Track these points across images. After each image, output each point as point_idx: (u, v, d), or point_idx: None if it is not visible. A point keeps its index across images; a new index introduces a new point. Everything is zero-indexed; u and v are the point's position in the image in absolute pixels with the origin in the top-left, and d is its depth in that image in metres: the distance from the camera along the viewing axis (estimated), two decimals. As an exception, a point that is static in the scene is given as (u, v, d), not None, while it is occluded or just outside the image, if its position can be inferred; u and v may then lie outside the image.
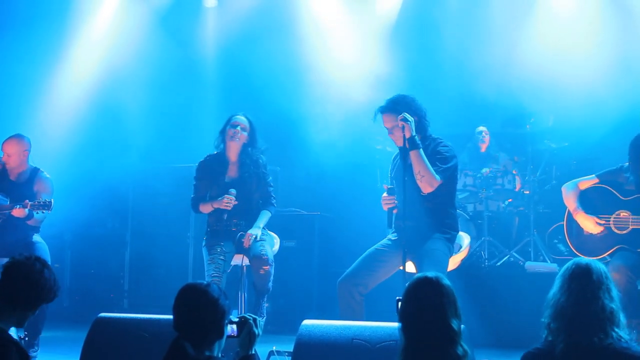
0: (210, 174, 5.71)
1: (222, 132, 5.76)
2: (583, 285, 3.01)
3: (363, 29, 8.55)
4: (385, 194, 5.07)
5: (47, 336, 6.11)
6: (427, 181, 4.89)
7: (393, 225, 5.09)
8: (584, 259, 3.12)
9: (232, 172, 5.73)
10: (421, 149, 4.91)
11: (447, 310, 2.85)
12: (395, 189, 5.09)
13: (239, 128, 5.69)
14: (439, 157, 5.00)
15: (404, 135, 4.89)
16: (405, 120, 4.88)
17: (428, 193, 4.96)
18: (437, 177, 4.92)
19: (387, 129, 5.08)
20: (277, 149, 7.70)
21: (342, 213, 8.14)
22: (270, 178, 5.86)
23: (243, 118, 5.74)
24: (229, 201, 5.52)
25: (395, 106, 5.02)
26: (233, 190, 5.56)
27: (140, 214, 8.38)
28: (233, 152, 5.74)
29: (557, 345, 2.96)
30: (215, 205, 5.58)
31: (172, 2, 8.74)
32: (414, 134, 4.89)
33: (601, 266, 3.08)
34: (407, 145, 4.90)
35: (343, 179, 8.30)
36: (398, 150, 5.24)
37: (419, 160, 4.89)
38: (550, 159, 8.04)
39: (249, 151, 5.72)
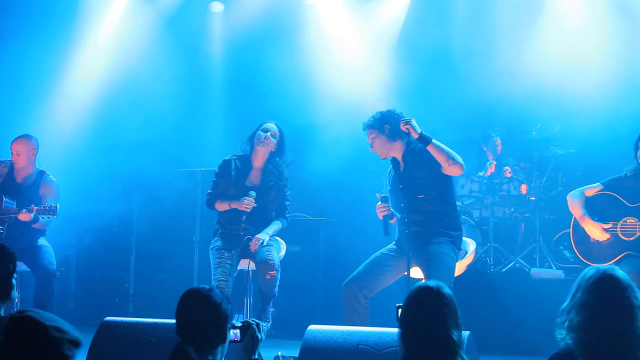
0: (232, 174, 5.65)
1: (252, 137, 5.71)
2: (604, 299, 2.70)
3: (370, 36, 8.55)
4: (379, 203, 5.12)
5: (52, 339, 6.10)
6: (458, 163, 4.93)
7: (395, 234, 5.12)
8: (605, 267, 2.76)
9: (255, 177, 5.68)
10: (434, 139, 4.93)
11: (448, 320, 2.80)
12: (388, 197, 5.16)
13: (269, 134, 5.65)
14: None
15: (411, 138, 4.96)
16: (407, 122, 4.92)
17: (426, 196, 5.01)
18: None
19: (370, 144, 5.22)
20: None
21: (348, 218, 8.13)
22: (289, 192, 5.81)
23: (274, 125, 5.71)
24: (248, 203, 5.48)
25: (372, 123, 5.16)
26: (253, 193, 5.51)
27: (145, 218, 8.39)
28: (259, 158, 5.69)
29: None
30: (233, 206, 5.52)
31: (179, 7, 8.75)
32: (418, 131, 4.92)
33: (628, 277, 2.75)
34: (421, 143, 4.96)
35: (348, 184, 8.28)
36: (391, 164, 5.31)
37: (439, 150, 4.92)
38: (556, 166, 8.01)
39: (276, 161, 5.68)
